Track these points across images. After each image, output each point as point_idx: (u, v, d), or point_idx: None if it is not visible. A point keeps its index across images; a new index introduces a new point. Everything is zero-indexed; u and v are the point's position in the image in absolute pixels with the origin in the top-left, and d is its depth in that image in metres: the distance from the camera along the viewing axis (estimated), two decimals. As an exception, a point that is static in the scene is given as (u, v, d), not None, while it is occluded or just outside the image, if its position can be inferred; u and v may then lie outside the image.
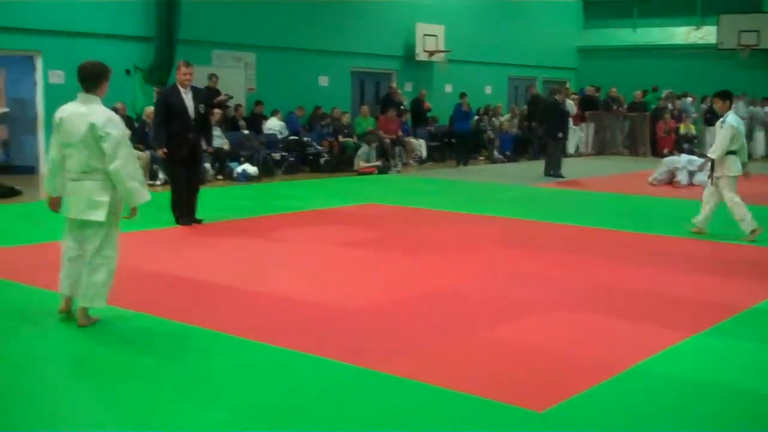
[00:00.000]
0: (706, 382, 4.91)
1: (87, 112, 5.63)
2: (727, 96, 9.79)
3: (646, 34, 27.43)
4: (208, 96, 10.46)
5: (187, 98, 9.95)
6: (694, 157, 16.06)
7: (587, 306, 6.56)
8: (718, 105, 9.80)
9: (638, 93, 23.61)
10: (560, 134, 16.95)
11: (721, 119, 9.67)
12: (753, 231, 9.55)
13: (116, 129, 5.61)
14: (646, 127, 22.59)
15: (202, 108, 10.14)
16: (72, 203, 5.71)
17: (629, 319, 6.16)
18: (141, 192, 5.68)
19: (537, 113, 20.35)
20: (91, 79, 5.77)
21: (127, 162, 5.61)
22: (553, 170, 16.80)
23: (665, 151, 19.00)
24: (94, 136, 5.55)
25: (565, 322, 6.11)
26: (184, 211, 10.08)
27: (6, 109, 14.23)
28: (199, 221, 10.15)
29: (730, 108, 9.75)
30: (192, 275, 7.39)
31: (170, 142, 9.90)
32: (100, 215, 5.63)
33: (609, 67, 27.22)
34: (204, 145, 10.70)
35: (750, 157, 22.25)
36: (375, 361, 5.08)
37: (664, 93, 23.62)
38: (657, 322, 6.09)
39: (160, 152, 10.00)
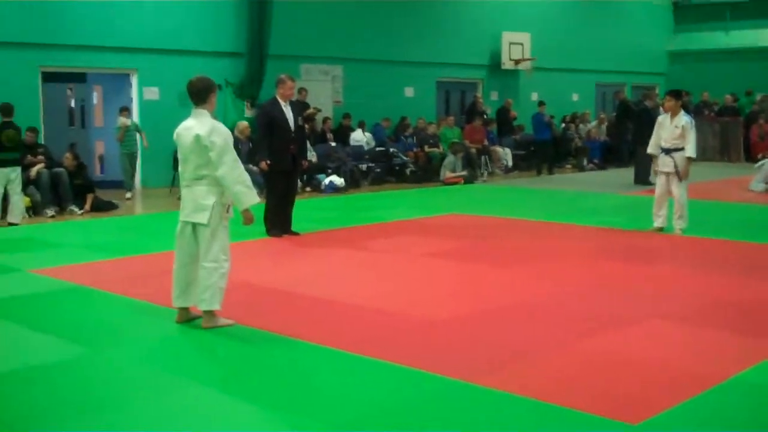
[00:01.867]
0: (808, 395, 4.77)
1: (194, 125, 6.04)
2: (679, 95, 10.30)
3: (739, 36, 26.71)
4: (301, 110, 10.65)
5: (288, 111, 10.14)
6: None
7: (683, 317, 6.42)
8: (671, 103, 10.12)
9: (728, 97, 23.02)
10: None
11: (677, 118, 10.09)
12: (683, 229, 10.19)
13: (219, 137, 5.96)
14: (739, 132, 21.99)
15: (300, 120, 10.34)
16: (183, 207, 6.13)
17: (724, 330, 6.02)
18: (248, 194, 6.02)
19: (626, 120, 20.01)
20: (199, 94, 6.16)
21: (233, 167, 5.95)
22: (643, 178, 16.49)
23: (759, 156, 18.44)
24: (200, 145, 5.94)
25: (657, 333, 6.01)
26: (276, 222, 10.25)
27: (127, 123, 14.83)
28: (295, 233, 10.32)
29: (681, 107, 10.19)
30: (283, 286, 7.52)
31: (272, 154, 10.09)
32: (203, 217, 5.98)
33: (700, 71, 26.60)
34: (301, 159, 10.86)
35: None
36: (466, 373, 5.08)
37: (759, 96, 22.96)
38: (754, 332, 5.94)
39: (263, 164, 10.16)
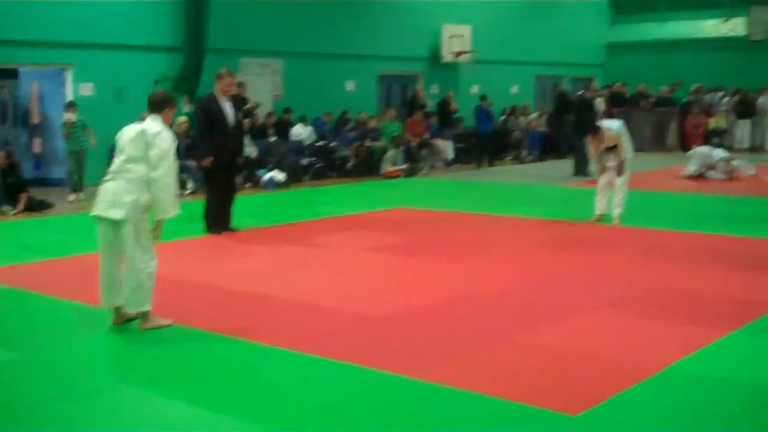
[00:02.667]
0: (741, 381, 4.86)
1: (142, 125, 6.00)
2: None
3: (674, 28, 27.16)
4: (240, 104, 10.51)
5: (227, 106, 10.01)
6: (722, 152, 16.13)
7: (621, 307, 6.51)
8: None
9: (664, 88, 23.42)
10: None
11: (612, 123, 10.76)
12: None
13: (165, 141, 5.91)
14: (675, 123, 22.38)
15: (240, 115, 10.20)
16: (99, 201, 5.95)
17: (663, 320, 6.11)
18: (173, 206, 5.94)
19: (564, 111, 20.22)
20: (155, 104, 6.17)
21: (169, 174, 5.88)
22: (581, 169, 16.67)
23: (694, 146, 18.81)
24: (141, 139, 5.87)
25: (599, 324, 6.08)
26: (216, 219, 10.13)
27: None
28: (234, 230, 10.21)
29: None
30: (224, 284, 7.43)
31: (212, 150, 9.96)
32: (119, 213, 5.80)
33: (637, 63, 26.98)
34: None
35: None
36: (408, 367, 5.08)
37: (692, 87, 23.39)
38: (691, 321, 6.04)
39: (206, 161, 10.00)
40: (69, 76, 15.58)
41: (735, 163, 15.69)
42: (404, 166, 17.46)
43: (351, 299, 6.87)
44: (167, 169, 5.86)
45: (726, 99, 23.28)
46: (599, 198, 10.74)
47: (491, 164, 19.59)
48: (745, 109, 22.55)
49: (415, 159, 18.33)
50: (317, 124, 18.60)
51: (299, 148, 17.39)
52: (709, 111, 22.28)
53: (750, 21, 24.62)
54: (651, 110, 23.06)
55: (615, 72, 27.10)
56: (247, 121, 15.84)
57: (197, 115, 10.40)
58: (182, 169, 14.53)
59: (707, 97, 22.95)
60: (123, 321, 6.13)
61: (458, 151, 20.43)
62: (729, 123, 22.58)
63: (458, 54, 22.11)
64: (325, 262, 8.52)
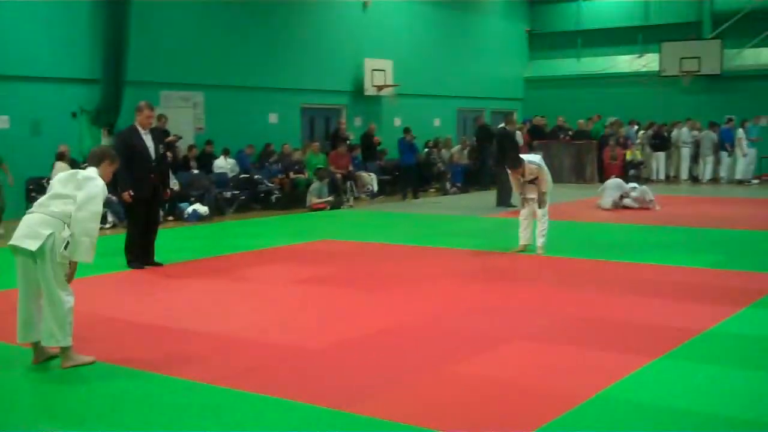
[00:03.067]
0: (668, 406, 4.92)
1: (79, 171, 6.07)
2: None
3: (590, 63, 27.95)
4: (161, 137, 10.35)
5: (147, 139, 9.87)
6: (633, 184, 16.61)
7: (547, 336, 6.56)
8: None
9: (581, 122, 24.00)
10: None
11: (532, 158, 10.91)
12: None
13: (96, 188, 5.85)
14: (593, 155, 22.92)
15: (161, 148, 10.06)
16: (17, 230, 5.81)
17: (590, 347, 6.18)
18: (88, 252, 5.75)
19: (486, 143, 20.51)
20: (93, 158, 6.23)
21: (92, 219, 5.76)
22: (504, 200, 16.88)
23: (612, 176, 19.26)
24: (73, 179, 5.87)
25: (526, 353, 6.11)
26: (138, 254, 9.93)
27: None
28: (158, 264, 10.01)
29: None
30: (149, 320, 7.26)
31: (132, 183, 9.78)
32: (33, 245, 5.64)
33: (555, 97, 27.65)
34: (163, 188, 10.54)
35: (697, 180, 22.84)
36: (338, 401, 5.01)
37: (609, 121, 24.01)
38: (616, 348, 6.12)
39: (126, 195, 9.79)
40: (-18, 108, 15.16)
41: (634, 193, 16.04)
42: (329, 199, 17.43)
43: (280, 332, 6.78)
44: (92, 214, 5.75)
45: (641, 132, 23.96)
46: (522, 228, 10.85)
47: (416, 196, 19.71)
48: (660, 142, 23.25)
49: (339, 191, 18.32)
50: (240, 157, 18.45)
51: (223, 181, 17.21)
52: (625, 143, 22.87)
53: (662, 57, 25.47)
54: (569, 143, 23.56)
55: (534, 105, 27.71)
56: (168, 155, 15.62)
57: (117, 148, 10.18)
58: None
59: (623, 130, 23.57)
60: (44, 359, 5.93)
61: (383, 184, 20.52)
62: (645, 155, 23.22)
63: (380, 87, 22.29)
64: (253, 295, 8.40)
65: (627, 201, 15.95)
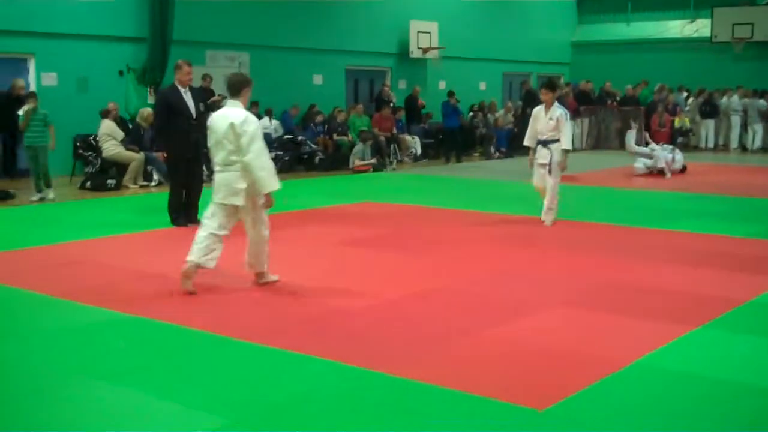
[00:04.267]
0: (706, 376, 4.89)
1: (228, 113, 6.68)
2: (554, 87, 10.37)
3: (640, 28, 27.42)
4: (204, 96, 10.39)
5: (188, 97, 9.91)
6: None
7: (586, 303, 6.53)
8: (548, 96, 10.10)
9: (629, 87, 23.60)
10: None
11: (552, 110, 10.06)
12: (554, 221, 10.14)
13: (251, 126, 6.62)
14: (640, 121, 22.58)
15: (202, 107, 10.11)
16: (217, 191, 6.75)
17: (628, 315, 6.14)
18: (270, 180, 6.64)
19: (531, 108, 20.28)
20: (233, 86, 6.85)
21: (259, 155, 6.58)
22: None
23: (661, 144, 19.02)
24: (234, 133, 6.56)
25: (565, 319, 6.09)
26: (181, 211, 10.03)
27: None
28: (200, 222, 10.10)
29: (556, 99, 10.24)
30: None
31: (172, 141, 9.84)
32: (239, 200, 6.66)
33: (603, 62, 27.21)
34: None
35: (745, 149, 22.39)
36: (375, 362, 5.05)
37: (657, 86, 23.61)
38: (656, 317, 6.08)
39: (161, 155, 9.91)
40: (32, 66, 15.35)
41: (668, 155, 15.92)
42: (372, 161, 17.43)
43: (322, 293, 6.84)
44: (257, 151, 6.55)
45: (691, 99, 23.52)
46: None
47: (459, 160, 19.61)
48: (710, 109, 22.78)
49: (383, 154, 18.30)
50: (284, 118, 18.51)
51: (267, 141, 17.21)
52: (674, 110, 22.49)
53: (714, 23, 24.90)
54: (617, 109, 23.23)
55: (582, 70, 27.29)
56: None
57: (157, 106, 10.30)
58: (147, 161, 14.40)
59: (672, 97, 23.17)
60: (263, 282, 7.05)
61: (426, 147, 20.46)
62: (693, 123, 22.82)
63: (426, 50, 22.12)
64: (296, 255, 8.43)
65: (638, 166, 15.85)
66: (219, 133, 6.67)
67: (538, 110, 10.30)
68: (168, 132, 9.89)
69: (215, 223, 6.76)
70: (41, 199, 12.44)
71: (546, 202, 10.18)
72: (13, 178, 14.67)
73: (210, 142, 6.83)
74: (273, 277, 7.11)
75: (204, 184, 10.51)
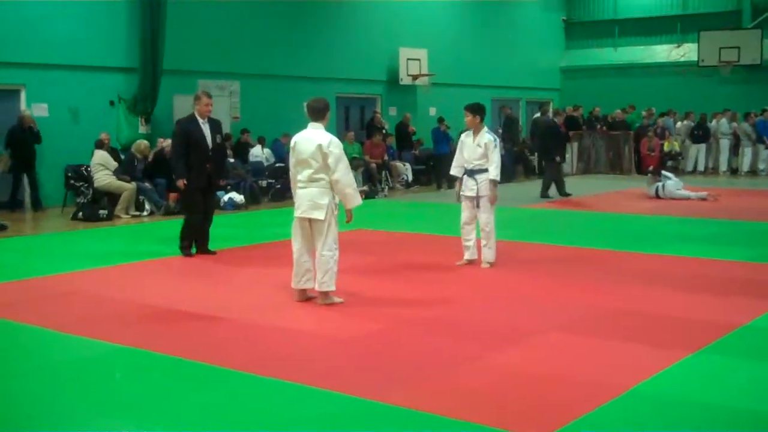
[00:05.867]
0: (703, 402, 4.89)
1: (313, 136, 7.23)
2: (478, 110, 9.28)
3: (628, 53, 27.66)
4: (218, 128, 10.28)
5: (206, 129, 9.91)
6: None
7: (581, 328, 6.54)
8: (469, 119, 9.20)
9: (618, 112, 23.75)
10: (557, 158, 16.94)
11: (480, 136, 9.15)
12: (491, 263, 9.12)
13: (337, 148, 7.19)
14: (629, 145, 22.71)
15: (218, 138, 10.13)
16: (299, 206, 7.28)
17: (625, 340, 6.14)
18: (355, 197, 7.31)
19: (512, 135, 20.55)
20: (317, 111, 7.38)
21: (346, 173, 7.20)
22: (560, 190, 16.63)
23: (650, 168, 19.14)
24: (321, 153, 7.10)
25: (561, 345, 6.09)
26: (191, 241, 10.04)
27: None
28: (212, 252, 10.13)
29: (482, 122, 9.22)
30: (185, 307, 7.33)
31: (189, 172, 9.84)
32: (320, 214, 7.15)
33: (591, 87, 27.40)
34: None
35: (735, 171, 22.52)
36: (372, 391, 5.03)
37: (645, 111, 23.74)
38: (651, 342, 6.08)
39: (180, 183, 9.88)
40: (22, 97, 15.36)
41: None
42: (364, 188, 17.43)
43: (317, 322, 6.83)
44: (344, 170, 7.16)
45: (678, 123, 23.67)
46: (465, 237, 9.39)
47: (450, 186, 19.64)
48: (702, 133, 22.86)
49: (374, 181, 18.34)
50: (276, 146, 18.54)
51: (258, 170, 17.31)
52: (663, 134, 22.61)
53: (701, 47, 25.11)
54: (606, 133, 23.35)
55: (571, 95, 27.47)
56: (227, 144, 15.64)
57: (175, 136, 10.19)
58: (139, 192, 14.39)
59: (661, 121, 23.31)
60: (304, 299, 7.42)
61: (417, 173, 20.50)
62: (682, 146, 22.95)
63: (415, 77, 22.24)
64: (288, 285, 8.42)
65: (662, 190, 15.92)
66: (305, 153, 7.18)
67: (465, 136, 9.38)
68: (185, 162, 9.87)
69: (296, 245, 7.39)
70: None
71: (482, 239, 9.14)
72: (14, 210, 14.65)
73: (292, 161, 7.37)
74: (338, 299, 7.35)
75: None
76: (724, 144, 22.87)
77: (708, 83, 25.51)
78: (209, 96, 10.07)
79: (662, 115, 23.78)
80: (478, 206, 9.14)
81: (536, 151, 22.58)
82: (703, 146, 22.97)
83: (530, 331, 6.41)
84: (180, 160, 9.87)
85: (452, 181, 9.71)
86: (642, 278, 8.50)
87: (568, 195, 16.54)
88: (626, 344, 6.05)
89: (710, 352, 5.85)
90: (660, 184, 16.06)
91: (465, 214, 9.28)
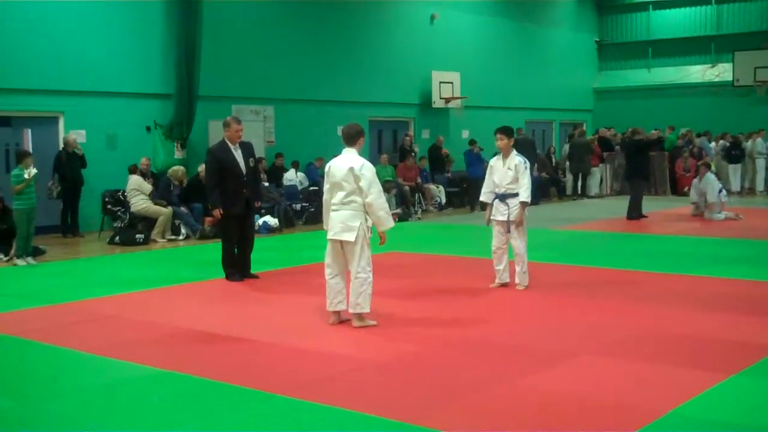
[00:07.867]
0: (744, 424, 4.83)
1: (346, 160, 7.38)
2: (511, 132, 9.22)
3: (661, 73, 27.54)
4: (252, 152, 10.30)
5: (238, 154, 9.90)
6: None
7: (616, 351, 6.49)
8: (503, 142, 9.04)
9: (654, 132, 23.56)
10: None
11: (509, 159, 9.01)
12: (525, 286, 9.06)
13: (370, 171, 7.33)
14: (665, 166, 22.53)
15: (252, 162, 10.16)
16: (332, 227, 7.40)
17: (661, 363, 6.08)
18: (388, 219, 7.40)
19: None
20: (351, 137, 7.52)
21: (378, 196, 7.31)
22: (635, 212, 16.41)
23: (686, 189, 18.95)
24: (354, 176, 7.24)
25: (597, 368, 6.05)
26: (235, 267, 10.07)
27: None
28: (254, 276, 10.17)
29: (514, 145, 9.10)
30: (222, 331, 7.39)
31: (226, 199, 9.84)
32: (351, 236, 7.27)
33: (625, 108, 27.29)
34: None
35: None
36: (411, 414, 5.03)
37: (681, 132, 23.58)
38: (688, 364, 6.03)
39: (217, 212, 9.91)
40: (61, 124, 15.61)
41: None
42: (397, 211, 17.48)
43: (350, 345, 6.85)
44: (377, 193, 7.28)
45: (713, 143, 23.46)
46: (496, 263, 9.35)
47: (483, 208, 19.57)
48: (738, 153, 22.64)
49: (407, 203, 18.37)
50: (309, 170, 18.65)
51: (292, 193, 17.42)
52: (699, 154, 22.41)
53: (736, 67, 24.93)
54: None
55: (604, 117, 27.38)
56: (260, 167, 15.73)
57: (208, 164, 10.18)
58: (175, 216, 14.54)
59: (698, 141, 23.12)
60: (339, 321, 7.49)
61: (450, 195, 20.50)
62: (718, 167, 22.73)
63: (448, 100, 22.30)
64: (323, 308, 8.45)
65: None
66: (338, 176, 7.33)
67: (495, 160, 9.28)
68: (219, 190, 9.87)
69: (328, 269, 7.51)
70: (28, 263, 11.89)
71: (516, 264, 9.12)
72: (66, 235, 14.88)
73: (326, 186, 7.49)
74: (372, 322, 7.41)
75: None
76: (761, 164, 22.63)
77: (743, 103, 25.30)
78: (239, 122, 10.02)
79: (698, 135, 23.60)
80: (509, 231, 9.08)
81: (572, 172, 22.52)
82: (739, 166, 22.74)
83: (566, 354, 6.38)
84: (215, 189, 9.88)
85: (484, 207, 9.57)
86: (676, 300, 8.42)
87: (633, 217, 16.28)
88: (662, 367, 6.00)
89: (749, 374, 5.78)
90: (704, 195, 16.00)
91: (496, 240, 9.21)
